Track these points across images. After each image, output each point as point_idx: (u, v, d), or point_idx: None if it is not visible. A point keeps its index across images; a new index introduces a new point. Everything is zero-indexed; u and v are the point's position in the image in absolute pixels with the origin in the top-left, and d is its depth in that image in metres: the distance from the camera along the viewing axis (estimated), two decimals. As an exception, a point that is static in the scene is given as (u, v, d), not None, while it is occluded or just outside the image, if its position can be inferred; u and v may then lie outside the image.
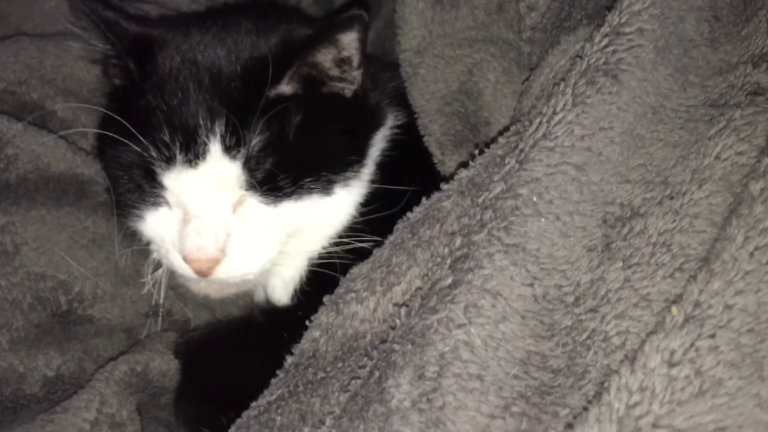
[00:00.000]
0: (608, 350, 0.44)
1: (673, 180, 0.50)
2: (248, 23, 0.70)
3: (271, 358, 0.59)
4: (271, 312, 0.70)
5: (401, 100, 0.73)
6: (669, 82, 0.54)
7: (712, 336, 0.40)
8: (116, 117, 0.63)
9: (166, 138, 0.61)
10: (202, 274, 0.63)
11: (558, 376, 0.45)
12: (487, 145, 0.56)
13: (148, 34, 0.68)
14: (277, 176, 0.62)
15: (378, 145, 0.71)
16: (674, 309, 0.42)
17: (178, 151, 0.61)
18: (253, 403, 0.51)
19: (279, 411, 0.48)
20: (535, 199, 0.48)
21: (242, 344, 0.68)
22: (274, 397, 0.49)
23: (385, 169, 0.70)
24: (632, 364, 0.41)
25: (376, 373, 0.45)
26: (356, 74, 0.67)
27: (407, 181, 0.66)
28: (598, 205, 0.49)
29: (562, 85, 0.53)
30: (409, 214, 0.54)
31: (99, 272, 0.66)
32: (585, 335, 0.45)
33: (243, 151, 0.61)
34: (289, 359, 0.52)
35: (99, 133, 0.69)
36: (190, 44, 0.67)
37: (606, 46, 0.54)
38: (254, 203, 0.63)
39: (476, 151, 0.56)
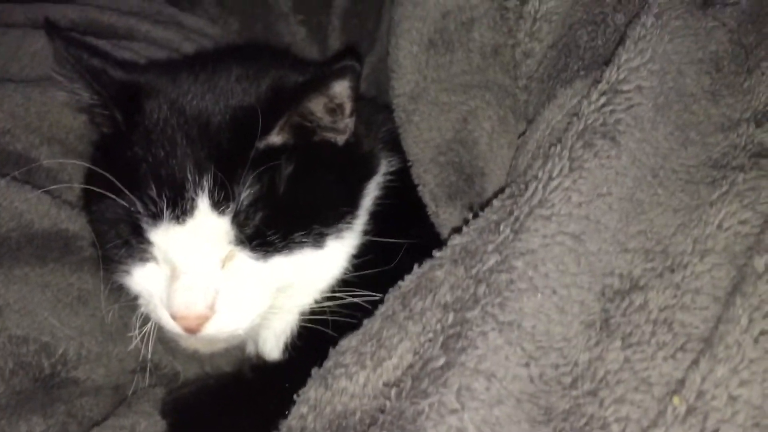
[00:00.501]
0: (607, 438, 0.42)
1: (674, 250, 0.48)
2: (239, 68, 0.68)
3: (261, 415, 0.57)
4: (261, 368, 0.69)
5: (394, 145, 0.72)
6: (669, 142, 0.52)
7: (716, 431, 0.38)
8: (101, 172, 0.61)
9: (153, 193, 0.59)
10: (191, 331, 0.61)
11: (556, 466, 0.43)
12: (481, 207, 0.54)
13: (135, 82, 0.66)
14: (267, 231, 0.61)
15: (371, 194, 0.69)
16: (676, 399, 0.40)
17: (165, 207, 0.59)
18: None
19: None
20: (530, 272, 0.46)
21: (231, 402, 0.66)
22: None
23: (378, 219, 0.68)
24: (632, 460, 0.39)
25: (366, 463, 0.44)
26: (348, 122, 0.65)
27: (401, 232, 0.64)
28: (597, 277, 0.47)
29: (558, 147, 0.51)
30: (400, 282, 0.52)
31: (84, 331, 0.64)
32: (583, 421, 0.43)
33: (232, 206, 0.59)
34: (278, 437, 0.50)
35: (84, 187, 0.67)
36: (179, 92, 0.65)
37: (604, 105, 0.52)
38: (244, 258, 0.62)
39: (470, 215, 0.54)
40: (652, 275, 0.47)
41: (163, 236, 0.60)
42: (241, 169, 0.60)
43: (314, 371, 0.51)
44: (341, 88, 0.62)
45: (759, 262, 0.44)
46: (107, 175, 0.61)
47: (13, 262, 0.63)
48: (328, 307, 0.64)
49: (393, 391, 0.46)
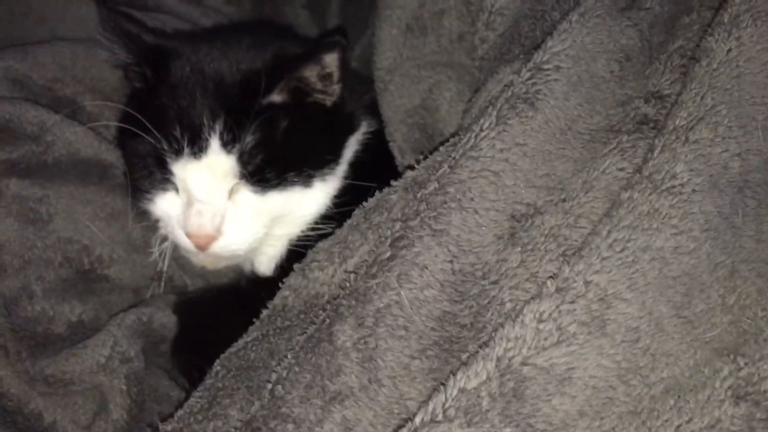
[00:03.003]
0: (501, 312, 0.58)
1: (569, 187, 0.64)
2: (248, 39, 0.84)
3: (253, 316, 0.73)
4: (255, 281, 0.85)
5: (374, 110, 0.88)
6: (578, 110, 0.68)
7: (572, 302, 0.55)
8: (135, 114, 0.77)
9: (177, 133, 0.75)
10: (201, 248, 0.77)
11: (464, 330, 0.59)
12: (430, 152, 0.71)
13: (164, 46, 0.82)
14: (265, 169, 0.76)
15: (351, 147, 0.85)
16: (549, 282, 0.56)
17: (185, 145, 0.75)
18: (234, 343, 0.65)
19: (253, 349, 0.62)
20: (459, 196, 0.62)
21: (230, 305, 0.82)
22: (250, 338, 0.64)
23: (356, 167, 0.84)
24: (513, 321, 0.55)
25: (327, 321, 0.60)
26: (336, 88, 0.81)
27: (374, 179, 0.80)
28: (509, 204, 0.63)
29: (490, 108, 0.67)
30: (364, 203, 0.68)
31: (115, 240, 0.80)
32: (487, 300, 0.59)
33: (238, 146, 0.75)
34: (264, 312, 0.66)
35: (120, 126, 0.83)
36: (199, 56, 0.81)
37: (528, 79, 0.68)
38: (246, 192, 0.78)
39: (422, 157, 0.71)
40: (550, 204, 0.63)
41: (183, 169, 0.76)
42: (246, 119, 0.75)
43: (296, 266, 0.67)
44: (331, 59, 0.78)
45: (623, 195, 0.60)
46: (139, 117, 0.77)
47: (62, 180, 0.79)
48: (312, 236, 0.80)
49: (352, 276, 0.63)
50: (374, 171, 0.84)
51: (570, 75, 0.68)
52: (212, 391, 0.63)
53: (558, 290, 0.56)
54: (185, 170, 0.76)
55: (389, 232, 0.64)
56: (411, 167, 0.70)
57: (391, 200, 0.66)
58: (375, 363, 0.57)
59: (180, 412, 0.63)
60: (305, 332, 0.61)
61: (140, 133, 0.77)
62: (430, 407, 0.52)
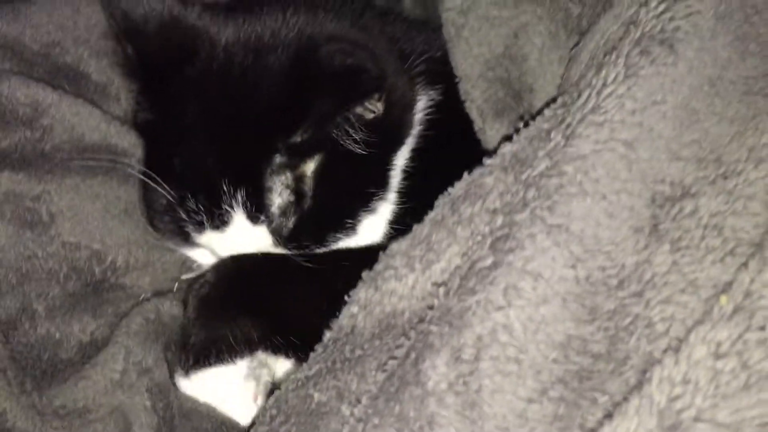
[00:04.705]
0: (651, 337, 0.43)
1: (728, 158, 0.47)
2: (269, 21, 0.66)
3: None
4: None
5: (434, 75, 0.70)
6: (728, 52, 0.51)
7: (762, 329, 0.39)
8: (154, 176, 0.63)
9: (192, 205, 0.61)
10: None
11: (598, 362, 0.43)
12: (532, 117, 0.54)
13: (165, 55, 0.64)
14: (301, 235, 0.62)
15: (401, 159, 0.68)
16: (723, 298, 0.40)
17: (204, 219, 0.62)
18: (292, 376, 0.51)
19: (317, 387, 0.48)
20: (580, 177, 0.46)
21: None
22: (312, 372, 0.49)
23: (420, 158, 0.67)
24: (676, 355, 0.39)
25: (413, 354, 0.45)
26: (379, 106, 0.64)
27: (446, 159, 0.64)
28: (647, 184, 0.47)
29: (614, 55, 0.50)
30: (450, 189, 0.52)
31: (130, 241, 0.66)
32: (628, 320, 0.44)
33: (265, 215, 0.61)
34: (328, 334, 0.52)
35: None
36: (202, 67, 0.63)
37: (662, 13, 0.51)
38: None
39: (521, 124, 0.54)
40: (705, 182, 0.47)
41: (207, 239, 0.63)
42: (268, 178, 0.61)
43: (365, 274, 0.52)
44: (363, 109, 0.62)
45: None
46: (162, 184, 0.62)
47: (65, 171, 0.64)
48: None
49: (441, 290, 0.47)
50: (446, 149, 0.67)
51: (717, 5, 0.51)
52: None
53: (737, 309, 0.40)
54: (210, 241, 0.64)
55: (487, 229, 0.48)
56: (508, 138, 0.53)
57: (486, 184, 0.50)
58: (479, 410, 0.42)
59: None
60: (384, 368, 0.46)
61: (153, 185, 0.63)
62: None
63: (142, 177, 0.65)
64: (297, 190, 0.62)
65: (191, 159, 0.62)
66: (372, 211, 0.65)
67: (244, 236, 0.62)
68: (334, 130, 0.61)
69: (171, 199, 0.62)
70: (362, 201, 0.65)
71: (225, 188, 0.60)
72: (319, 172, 0.62)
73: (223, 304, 0.62)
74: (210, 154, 0.61)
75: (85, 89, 0.71)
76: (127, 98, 0.72)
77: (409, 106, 0.69)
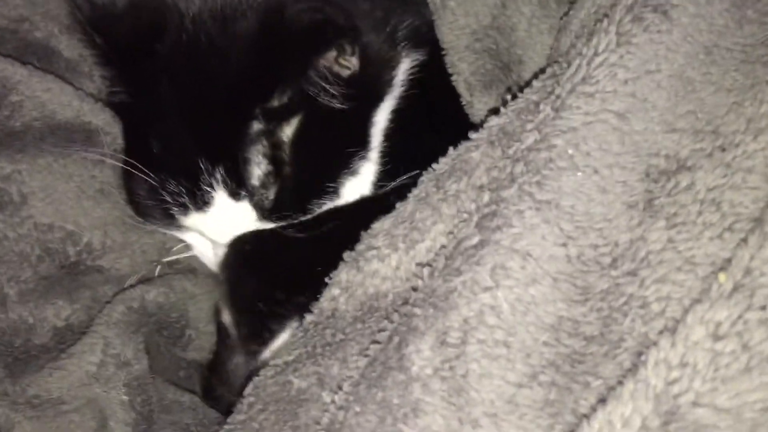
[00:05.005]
0: (647, 317, 0.41)
1: (726, 129, 0.45)
2: None
3: None
4: None
5: (417, 41, 0.67)
6: (724, 18, 0.49)
7: (763, 308, 0.37)
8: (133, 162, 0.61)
9: (173, 187, 0.60)
10: None
11: (591, 344, 0.42)
12: (521, 89, 0.51)
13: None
14: (283, 205, 0.60)
15: (381, 116, 0.65)
16: (722, 276, 0.38)
17: (187, 200, 0.60)
18: (271, 362, 0.49)
19: (297, 373, 0.46)
20: (570, 150, 0.44)
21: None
22: (292, 357, 0.47)
23: (403, 119, 0.65)
24: (673, 336, 0.37)
25: (396, 338, 0.43)
26: (353, 60, 0.61)
27: (430, 131, 0.62)
28: (641, 157, 0.45)
29: (605, 22, 0.48)
30: (434, 165, 0.50)
31: (107, 221, 0.63)
32: (622, 300, 0.42)
33: (246, 190, 0.60)
34: (309, 317, 0.49)
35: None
36: (172, 41, 0.61)
37: (656, -23, 0.48)
38: (272, 227, 0.62)
39: (508, 96, 0.52)
40: (701, 155, 0.44)
41: (193, 221, 0.62)
42: (245, 149, 0.58)
43: (346, 254, 0.49)
44: (337, 65, 0.60)
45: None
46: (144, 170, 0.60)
47: (36, 151, 0.62)
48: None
49: (425, 271, 0.45)
50: (430, 120, 0.65)
51: (712, -31, 0.49)
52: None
53: (737, 287, 0.38)
54: (196, 222, 0.62)
55: (474, 207, 0.46)
56: (495, 111, 0.50)
57: (472, 159, 0.48)
58: (466, 396, 0.40)
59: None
60: (366, 353, 0.44)
61: (132, 170, 0.61)
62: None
63: (121, 165, 0.63)
64: (275, 158, 0.60)
65: (168, 139, 0.60)
66: (354, 172, 0.63)
67: (228, 215, 0.61)
68: (310, 87, 0.59)
69: (153, 183, 0.60)
70: (343, 161, 0.62)
71: (203, 167, 0.58)
72: (297, 136, 0.60)
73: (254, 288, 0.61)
74: (185, 133, 0.59)
75: (56, 66, 0.68)
76: (99, 75, 0.69)
77: (389, 65, 0.66)
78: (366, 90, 0.63)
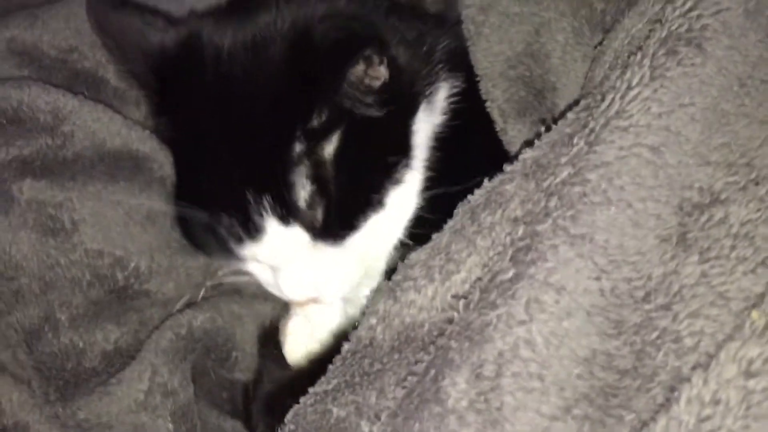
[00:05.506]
0: (680, 352, 0.41)
1: (760, 162, 0.45)
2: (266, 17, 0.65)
3: None
4: None
5: (455, 64, 0.68)
6: (759, 50, 0.49)
7: (799, 346, 0.37)
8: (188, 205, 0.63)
9: (224, 220, 0.61)
10: (303, 305, 0.66)
11: (624, 378, 0.42)
12: (554, 120, 0.52)
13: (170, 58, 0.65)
14: (330, 223, 0.62)
15: (427, 123, 0.66)
16: (755, 313, 0.39)
17: (240, 231, 0.61)
18: (311, 390, 0.50)
19: (335, 402, 0.47)
20: (604, 185, 0.45)
21: None
22: (330, 386, 0.49)
23: (442, 147, 0.66)
24: (706, 373, 0.38)
25: (432, 371, 0.44)
26: (381, 70, 0.62)
27: (469, 160, 0.63)
28: (675, 191, 0.45)
29: (639, 56, 0.48)
30: (469, 197, 0.51)
31: (153, 246, 0.65)
32: (655, 334, 0.42)
33: (295, 215, 0.61)
34: (346, 346, 0.51)
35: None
36: (209, 70, 0.63)
37: (690, 10, 0.49)
38: (323, 247, 0.63)
39: (542, 128, 0.52)
40: (735, 188, 0.45)
41: (248, 251, 0.63)
42: (289, 173, 0.59)
43: (384, 284, 0.51)
44: (367, 76, 0.61)
45: None
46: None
47: (87, 179, 0.64)
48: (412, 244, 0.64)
49: (461, 303, 0.46)
50: (469, 150, 0.66)
51: (746, 0, 0.49)
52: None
53: (771, 325, 0.38)
54: (253, 252, 0.63)
55: (508, 239, 0.47)
56: (529, 143, 0.51)
57: (507, 192, 0.49)
58: (501, 428, 0.41)
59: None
60: (403, 384, 0.46)
61: (185, 209, 0.64)
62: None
63: (174, 206, 0.66)
64: (319, 178, 0.61)
65: (214, 173, 0.61)
66: (398, 181, 0.63)
67: (281, 241, 0.62)
68: (345, 101, 0.60)
69: (207, 220, 0.62)
70: (386, 171, 0.63)
71: (250, 198, 0.59)
72: (338, 152, 0.61)
73: None
74: (229, 165, 0.60)
75: (104, 94, 0.70)
76: (146, 103, 0.71)
77: (421, 76, 0.67)
78: (400, 97, 0.64)
